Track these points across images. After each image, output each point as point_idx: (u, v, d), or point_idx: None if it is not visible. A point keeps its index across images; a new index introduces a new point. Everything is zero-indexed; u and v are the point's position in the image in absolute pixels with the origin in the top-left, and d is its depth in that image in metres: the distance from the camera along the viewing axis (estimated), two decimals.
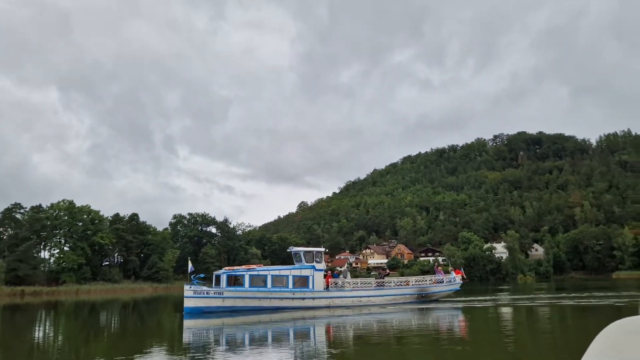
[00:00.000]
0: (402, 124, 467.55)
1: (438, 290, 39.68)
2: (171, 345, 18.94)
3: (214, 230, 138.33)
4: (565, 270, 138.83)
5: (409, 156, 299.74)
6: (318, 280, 34.68)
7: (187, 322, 26.42)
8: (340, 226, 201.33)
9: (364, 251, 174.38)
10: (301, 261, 35.00)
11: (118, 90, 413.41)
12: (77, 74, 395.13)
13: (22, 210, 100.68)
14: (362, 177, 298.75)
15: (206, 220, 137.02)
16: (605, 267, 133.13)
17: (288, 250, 38.79)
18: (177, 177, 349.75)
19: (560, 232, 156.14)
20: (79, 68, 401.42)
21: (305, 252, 35.91)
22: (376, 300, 36.41)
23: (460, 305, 35.03)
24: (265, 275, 33.42)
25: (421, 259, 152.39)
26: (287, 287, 33.56)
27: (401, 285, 39.36)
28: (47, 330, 26.44)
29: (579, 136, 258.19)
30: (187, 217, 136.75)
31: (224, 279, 32.82)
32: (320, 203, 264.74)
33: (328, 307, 33.93)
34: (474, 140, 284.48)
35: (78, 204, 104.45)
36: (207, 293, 31.70)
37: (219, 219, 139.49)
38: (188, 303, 30.71)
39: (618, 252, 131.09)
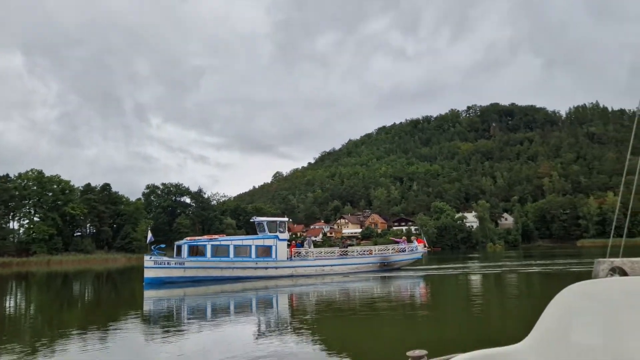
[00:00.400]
0: (377, 94, 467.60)
1: (400, 259, 40.40)
2: (143, 315, 19.08)
3: (188, 200, 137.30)
4: (533, 238, 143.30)
5: (384, 127, 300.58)
6: (281, 249, 34.72)
7: (147, 293, 26.35)
8: (315, 196, 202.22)
9: (339, 221, 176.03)
10: (264, 231, 34.92)
11: (85, 56, 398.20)
12: (41, 37, 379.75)
13: None
14: (337, 147, 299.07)
15: (180, 190, 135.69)
16: (570, 236, 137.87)
17: (251, 220, 38.66)
18: (150, 147, 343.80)
19: (529, 202, 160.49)
20: (43, 32, 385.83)
21: (269, 221, 35.78)
22: (339, 269, 36.68)
23: (422, 273, 35.84)
24: (228, 245, 33.34)
25: (394, 228, 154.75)
26: (250, 257, 33.50)
27: (364, 254, 39.96)
28: (18, 301, 26.24)
29: (550, 108, 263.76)
30: (161, 187, 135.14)
31: (185, 249, 32.64)
32: (295, 173, 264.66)
33: (291, 276, 34.06)
34: (447, 112, 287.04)
35: (47, 173, 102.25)
36: (168, 263, 31.51)
37: (193, 189, 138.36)
38: (148, 273, 30.49)
39: (583, 221, 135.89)
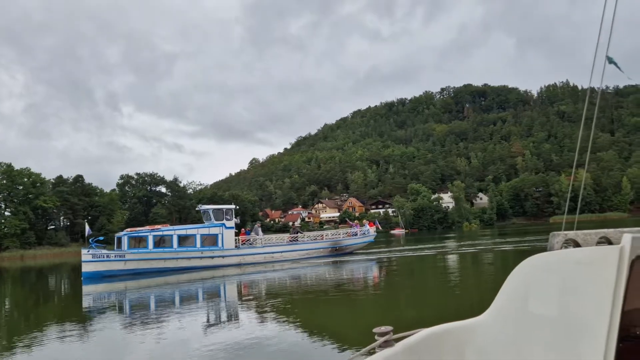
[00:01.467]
0: (352, 77, 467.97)
1: (352, 243, 40.13)
2: (86, 311, 18.91)
3: (163, 190, 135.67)
4: (508, 216, 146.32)
5: (359, 110, 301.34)
6: (228, 238, 33.71)
7: (86, 288, 25.19)
8: (292, 182, 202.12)
9: (317, 206, 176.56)
10: (210, 219, 33.93)
11: (51, 44, 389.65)
12: (3, 25, 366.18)
13: None
14: (313, 132, 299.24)
15: (155, 179, 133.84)
16: (543, 213, 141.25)
17: (197, 209, 37.80)
18: (123, 136, 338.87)
19: (503, 181, 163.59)
20: (5, 19, 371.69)
21: (215, 209, 34.70)
22: (289, 256, 35.82)
23: (373, 256, 35.46)
24: (171, 235, 32.30)
25: (372, 211, 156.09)
26: (195, 247, 32.57)
27: (316, 239, 39.39)
28: None
29: (522, 88, 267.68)
30: (135, 177, 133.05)
31: (125, 240, 31.37)
32: (271, 159, 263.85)
33: (239, 264, 33.14)
34: (422, 94, 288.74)
35: (17, 166, 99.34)
36: (108, 256, 30.37)
37: (169, 178, 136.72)
38: (86, 268, 29.22)
39: (555, 198, 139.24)
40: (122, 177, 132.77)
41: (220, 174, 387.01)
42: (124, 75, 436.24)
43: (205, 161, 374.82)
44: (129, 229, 34.89)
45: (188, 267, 31.62)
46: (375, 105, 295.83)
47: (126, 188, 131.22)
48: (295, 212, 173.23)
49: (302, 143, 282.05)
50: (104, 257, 30.17)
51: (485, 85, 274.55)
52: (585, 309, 2.16)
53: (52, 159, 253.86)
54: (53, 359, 10.09)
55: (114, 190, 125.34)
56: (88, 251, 30.02)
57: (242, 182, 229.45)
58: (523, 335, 2.55)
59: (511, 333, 2.66)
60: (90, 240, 31.83)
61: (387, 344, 2.78)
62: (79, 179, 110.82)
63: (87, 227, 34.86)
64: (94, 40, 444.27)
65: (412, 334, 2.93)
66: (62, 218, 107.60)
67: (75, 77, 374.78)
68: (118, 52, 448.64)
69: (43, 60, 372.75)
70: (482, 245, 41.36)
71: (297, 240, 37.84)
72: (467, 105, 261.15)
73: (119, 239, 32.10)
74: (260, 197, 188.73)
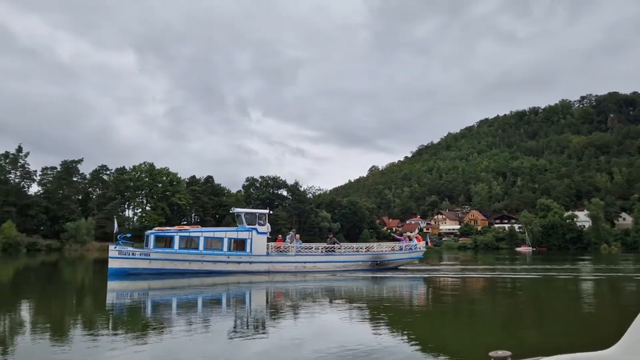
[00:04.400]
0: (481, 82, 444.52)
1: (395, 258, 37.13)
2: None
3: (285, 193, 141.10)
4: None
5: (486, 119, 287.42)
6: (258, 243, 32.61)
7: (111, 284, 25.72)
8: (412, 191, 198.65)
9: (436, 216, 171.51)
10: (242, 223, 33.17)
11: (190, 52, 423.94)
12: (149, 36, 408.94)
13: (107, 172, 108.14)
14: (436, 141, 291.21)
15: (277, 183, 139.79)
16: None
17: (231, 211, 36.84)
18: (250, 140, 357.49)
19: None
20: (151, 30, 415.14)
21: (247, 213, 33.98)
22: (323, 267, 33.96)
23: (422, 274, 32.33)
24: (198, 237, 31.90)
25: (496, 225, 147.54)
26: (222, 250, 31.83)
27: (357, 251, 36.93)
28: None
29: None
30: (259, 179, 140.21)
31: (151, 239, 31.49)
32: (391, 167, 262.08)
33: (267, 272, 32.07)
34: (557, 102, 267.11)
35: (157, 166, 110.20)
36: (133, 254, 30.46)
37: (290, 182, 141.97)
38: (112, 264, 29.61)
39: None
40: (247, 179, 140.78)
41: (340, 180, 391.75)
42: (253, 81, 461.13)
43: (326, 166, 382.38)
44: (157, 228, 35.58)
45: (213, 271, 31.14)
46: (505, 114, 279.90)
47: (251, 190, 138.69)
48: (413, 222, 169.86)
49: (424, 152, 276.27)
50: (129, 255, 30.41)
51: (634, 93, 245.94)
52: None
53: (187, 159, 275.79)
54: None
55: (239, 191, 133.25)
56: (115, 247, 30.39)
57: (361, 189, 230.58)
58: None
59: None
60: (118, 237, 32.22)
61: None
62: (209, 179, 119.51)
63: (115, 224, 35.96)
64: (228, 47, 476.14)
65: None
66: (193, 215, 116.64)
67: (209, 84, 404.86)
68: (248, 59, 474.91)
69: (182, 67, 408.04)
70: (622, 272, 36.60)
71: (333, 251, 35.84)
72: (611, 115, 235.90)
73: (147, 237, 32.34)
74: (378, 205, 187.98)
